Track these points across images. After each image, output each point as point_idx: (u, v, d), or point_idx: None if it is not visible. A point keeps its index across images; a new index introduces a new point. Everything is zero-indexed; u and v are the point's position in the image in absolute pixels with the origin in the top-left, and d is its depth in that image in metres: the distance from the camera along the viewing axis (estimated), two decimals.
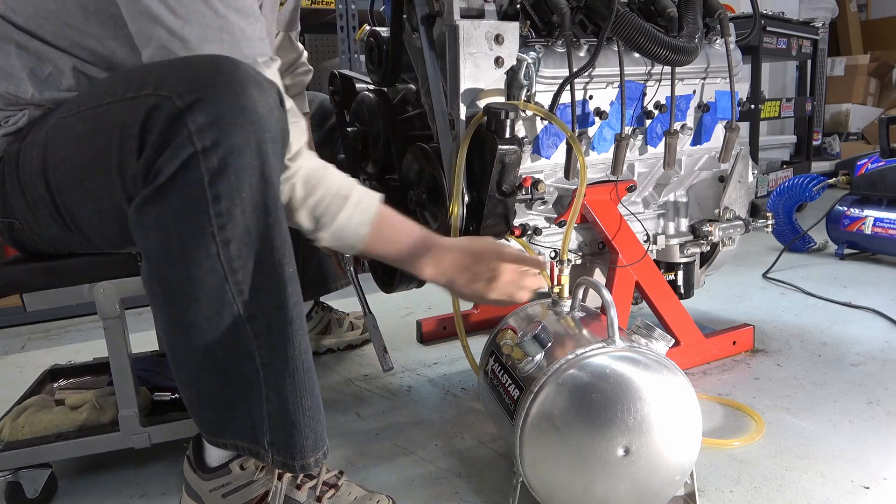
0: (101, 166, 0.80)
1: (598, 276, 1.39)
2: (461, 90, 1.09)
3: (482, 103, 1.09)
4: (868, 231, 2.21)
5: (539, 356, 0.92)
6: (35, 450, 1.02)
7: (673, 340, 0.94)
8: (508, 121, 1.02)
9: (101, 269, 0.99)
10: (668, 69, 1.26)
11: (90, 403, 1.10)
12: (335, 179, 0.93)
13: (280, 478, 0.91)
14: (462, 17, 1.08)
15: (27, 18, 0.89)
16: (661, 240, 1.45)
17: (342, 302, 1.76)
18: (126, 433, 1.05)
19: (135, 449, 1.06)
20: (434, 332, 1.69)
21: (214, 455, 0.92)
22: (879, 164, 2.25)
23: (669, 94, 1.28)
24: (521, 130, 1.13)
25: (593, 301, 1.08)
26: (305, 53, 1.40)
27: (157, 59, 0.81)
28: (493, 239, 1.09)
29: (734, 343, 1.50)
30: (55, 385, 1.24)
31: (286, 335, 0.81)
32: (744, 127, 2.78)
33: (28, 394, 1.19)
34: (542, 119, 1.16)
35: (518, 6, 1.17)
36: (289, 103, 0.87)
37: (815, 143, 3.89)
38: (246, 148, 0.74)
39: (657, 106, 1.28)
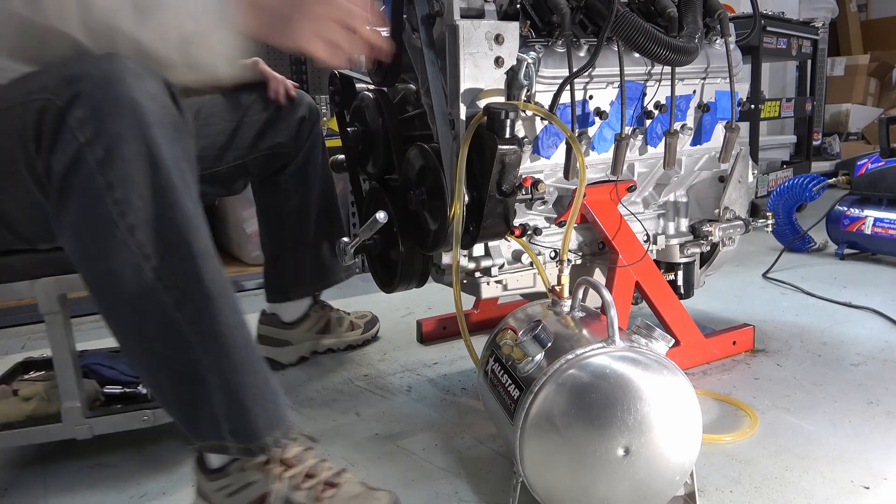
0: (11, 167, 0.80)
1: (598, 276, 1.39)
2: (461, 90, 1.09)
3: (482, 103, 1.09)
4: (868, 231, 2.21)
5: (539, 356, 0.92)
6: None
7: (673, 340, 0.94)
8: (508, 121, 1.02)
9: (40, 266, 1.00)
10: (668, 69, 1.26)
11: (39, 394, 1.12)
12: None
13: (280, 479, 0.91)
14: (462, 17, 1.08)
15: None
16: (661, 240, 1.45)
17: (343, 302, 1.76)
18: (68, 424, 1.06)
19: (136, 449, 1.07)
20: (434, 332, 1.69)
21: (214, 455, 0.92)
22: (879, 164, 2.25)
23: (669, 94, 1.28)
24: (521, 130, 1.13)
25: (593, 301, 1.08)
26: None
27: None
28: None
29: (734, 343, 1.50)
30: (20, 378, 1.26)
31: (211, 314, 0.80)
32: (744, 127, 2.77)
33: None
34: (542, 119, 1.16)
35: (518, 6, 1.17)
36: None
37: (815, 143, 3.89)
38: (128, 135, 0.74)
39: (657, 106, 1.28)
